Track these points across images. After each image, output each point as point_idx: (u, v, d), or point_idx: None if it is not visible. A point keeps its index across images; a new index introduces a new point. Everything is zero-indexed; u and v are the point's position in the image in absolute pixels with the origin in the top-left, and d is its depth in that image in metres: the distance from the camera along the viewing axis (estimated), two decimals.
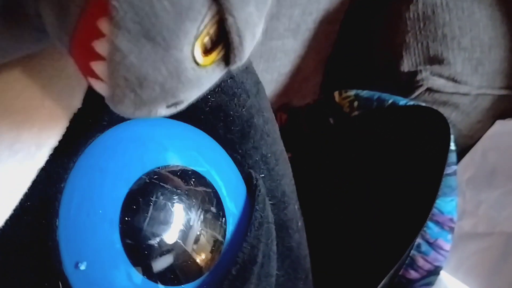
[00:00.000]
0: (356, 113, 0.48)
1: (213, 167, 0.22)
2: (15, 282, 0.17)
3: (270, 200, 0.25)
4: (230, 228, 0.22)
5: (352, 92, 0.49)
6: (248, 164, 0.25)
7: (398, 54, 0.51)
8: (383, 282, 0.39)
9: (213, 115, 0.23)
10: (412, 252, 0.41)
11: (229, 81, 0.24)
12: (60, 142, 0.19)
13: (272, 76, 0.52)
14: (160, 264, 0.19)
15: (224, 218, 0.21)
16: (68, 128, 0.19)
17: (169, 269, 0.20)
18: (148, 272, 0.19)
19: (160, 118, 0.23)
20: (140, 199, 0.19)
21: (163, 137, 0.21)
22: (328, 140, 0.50)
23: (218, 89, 0.23)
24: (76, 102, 0.19)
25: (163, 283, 0.20)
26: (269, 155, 0.27)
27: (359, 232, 0.42)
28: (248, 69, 0.27)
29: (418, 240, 0.41)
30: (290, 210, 0.29)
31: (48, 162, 0.18)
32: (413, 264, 0.42)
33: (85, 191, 0.19)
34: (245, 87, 0.25)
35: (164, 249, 0.19)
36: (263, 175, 0.26)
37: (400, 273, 0.42)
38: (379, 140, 0.45)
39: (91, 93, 0.20)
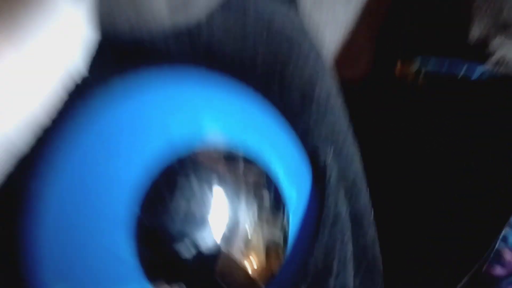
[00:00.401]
0: (421, 85, 0.42)
1: (267, 143, 0.16)
2: None
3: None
4: (293, 225, 0.16)
5: (416, 62, 0.43)
6: (311, 139, 0.20)
7: (466, 19, 0.45)
8: (463, 281, 0.33)
9: (268, 81, 0.17)
10: (498, 245, 0.35)
11: (284, 44, 0.18)
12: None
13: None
14: (195, 280, 0.14)
15: (284, 212, 0.16)
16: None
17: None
18: None
19: (196, 76, 0.17)
20: (165, 189, 0.13)
21: (198, 101, 0.16)
22: (389, 119, 0.44)
23: (271, 48, 0.17)
24: None
25: None
26: (336, 130, 0.21)
27: (434, 224, 0.36)
28: (306, 32, 0.21)
29: (505, 231, 0.34)
30: (363, 200, 0.23)
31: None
32: (499, 259, 0.36)
33: (75, 178, 0.13)
34: (304, 49, 0.19)
35: (200, 259, 0.14)
36: (331, 154, 0.20)
37: (483, 270, 0.37)
38: (452, 118, 0.39)
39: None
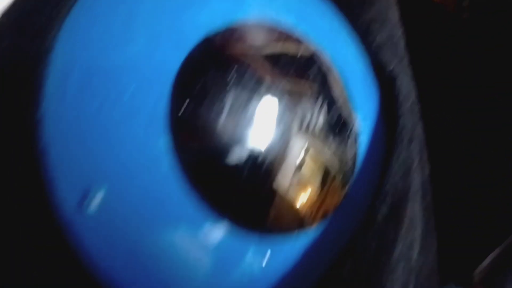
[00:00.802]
0: (466, 15, 0.37)
1: (325, 42, 0.12)
2: None
3: None
4: (362, 143, 0.12)
5: None
6: (373, 42, 0.15)
7: None
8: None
9: None
10: None
11: None
12: None
13: None
14: (246, 193, 0.10)
15: (351, 125, 0.12)
16: None
17: (255, 202, 0.10)
18: (223, 207, 0.10)
19: None
20: (208, 76, 0.09)
21: None
22: (428, 54, 0.39)
23: None
24: None
25: (251, 229, 0.10)
26: (398, 35, 0.17)
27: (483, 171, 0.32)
28: None
29: None
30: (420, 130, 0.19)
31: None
32: None
33: (98, 57, 0.09)
34: None
35: (247, 166, 0.10)
36: (395, 62, 0.15)
37: None
38: (502, 52, 0.34)
39: None
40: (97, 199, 0.09)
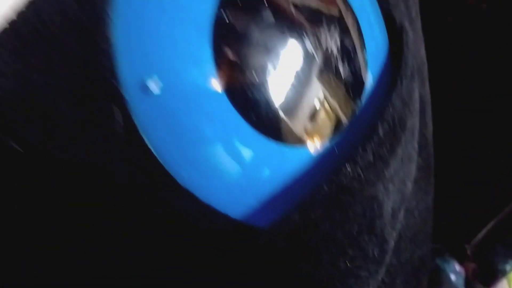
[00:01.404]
0: (485, 6, 0.39)
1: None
2: (37, 93, 0.10)
3: None
4: (372, 70, 0.14)
5: None
6: (387, 1, 0.17)
7: None
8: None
9: None
10: None
11: None
12: None
13: None
14: (274, 100, 0.12)
15: (363, 51, 0.14)
16: None
17: (291, 114, 0.12)
18: (251, 112, 0.12)
19: None
20: None
21: None
22: (446, 43, 0.41)
23: None
24: None
25: (275, 136, 0.12)
26: (412, 5, 0.19)
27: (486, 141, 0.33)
28: None
29: None
30: (427, 89, 0.21)
31: None
32: None
33: None
34: None
35: (287, 81, 0.12)
36: (406, 20, 0.17)
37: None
38: None
39: None
40: (155, 85, 0.11)
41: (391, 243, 0.15)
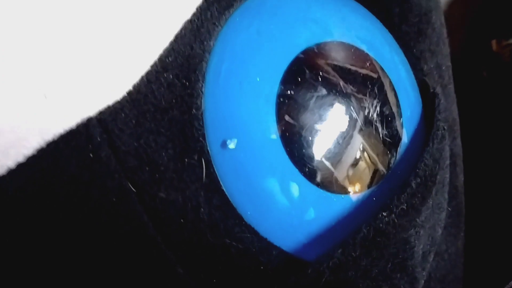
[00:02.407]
0: None
1: (386, 67, 0.17)
2: (148, 150, 0.14)
3: None
4: (406, 135, 0.17)
5: None
6: (422, 69, 0.20)
7: None
8: None
9: None
10: None
11: None
12: None
13: None
14: (323, 157, 0.15)
15: (400, 114, 0.16)
16: None
17: (338, 168, 0.15)
18: (305, 166, 0.15)
19: None
20: (307, 71, 0.15)
21: (330, 12, 0.17)
22: (481, 96, 0.43)
23: None
24: None
25: (322, 187, 0.15)
26: (444, 67, 0.22)
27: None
28: None
29: None
30: (458, 144, 0.24)
31: (195, 15, 0.15)
32: None
33: (239, 54, 0.15)
34: None
35: (333, 140, 0.15)
36: (438, 87, 0.20)
37: None
38: None
39: None
40: (232, 144, 0.14)
41: (421, 282, 0.18)
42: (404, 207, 0.15)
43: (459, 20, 0.51)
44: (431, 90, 0.19)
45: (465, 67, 0.46)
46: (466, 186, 0.26)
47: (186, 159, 0.14)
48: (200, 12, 0.15)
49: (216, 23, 0.15)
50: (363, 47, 0.17)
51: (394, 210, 0.15)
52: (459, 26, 0.51)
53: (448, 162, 0.19)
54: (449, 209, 0.20)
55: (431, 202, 0.17)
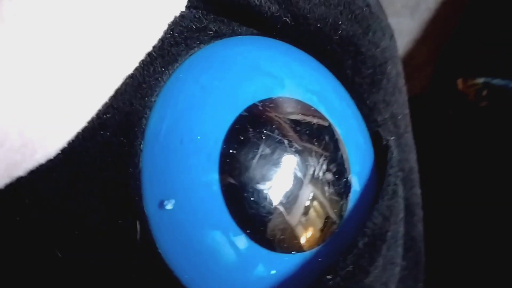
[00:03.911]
0: (484, 103, 0.41)
1: (336, 118, 0.17)
2: (79, 211, 0.13)
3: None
4: (353, 194, 0.17)
5: (480, 80, 0.43)
6: (376, 120, 0.20)
7: None
8: None
9: (343, 48, 0.18)
10: None
11: (365, 9, 0.19)
12: (155, 47, 0.15)
13: None
14: (266, 218, 0.14)
15: (348, 174, 0.16)
16: (166, 32, 0.15)
17: (279, 227, 0.15)
18: (248, 226, 0.14)
19: (278, 41, 0.18)
20: (250, 129, 0.14)
21: (279, 65, 0.17)
22: (446, 134, 0.43)
23: (352, 16, 0.18)
24: (182, 2, 0.15)
25: (266, 245, 0.15)
26: (400, 117, 0.22)
27: (482, 241, 0.35)
28: (383, 10, 0.22)
29: None
30: (416, 193, 0.23)
31: (137, 69, 0.14)
32: None
33: (181, 111, 0.15)
34: (381, 23, 0.20)
35: (275, 200, 0.14)
36: (392, 138, 0.20)
37: None
38: None
39: None
40: (169, 205, 0.14)
41: None
42: (350, 269, 0.15)
43: (426, 58, 0.52)
44: (384, 143, 0.19)
45: (431, 105, 0.47)
46: (429, 228, 0.25)
47: (120, 221, 0.13)
48: (143, 66, 0.15)
49: (159, 79, 0.15)
50: (313, 100, 0.17)
51: (340, 272, 0.15)
52: (427, 64, 0.52)
53: (402, 215, 0.19)
54: (404, 263, 0.20)
55: (381, 261, 0.17)
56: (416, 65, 0.51)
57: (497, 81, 0.41)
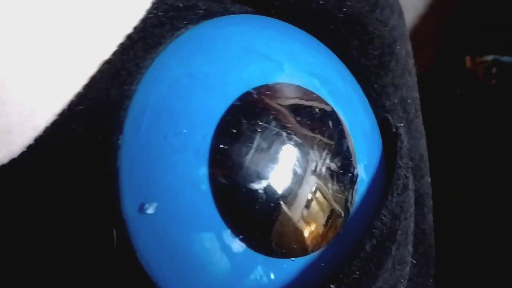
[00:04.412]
0: (494, 81, 0.39)
1: (341, 104, 0.15)
2: (50, 216, 0.11)
3: None
4: (361, 186, 0.15)
5: (489, 57, 0.41)
6: (384, 105, 0.18)
7: None
8: None
9: (347, 27, 0.16)
10: None
11: None
12: (136, 28, 0.13)
13: None
14: (262, 220, 0.13)
15: (355, 166, 0.14)
16: (149, 11, 0.13)
17: (277, 231, 0.13)
18: (242, 230, 0.13)
19: (275, 20, 0.16)
20: (244, 121, 0.13)
21: (276, 47, 0.15)
22: (454, 114, 0.41)
23: None
24: None
25: (262, 251, 0.13)
26: (409, 101, 0.20)
27: (491, 227, 0.33)
28: None
29: None
30: (426, 181, 0.22)
31: (115, 54, 0.12)
32: None
33: (165, 101, 0.13)
34: (389, 0, 0.18)
35: (272, 200, 0.13)
36: (401, 124, 0.18)
37: None
38: None
39: None
40: (151, 209, 0.12)
41: None
42: (357, 275, 0.13)
43: (432, 35, 0.50)
44: (393, 130, 0.17)
45: (438, 84, 0.45)
46: (438, 218, 0.24)
47: (95, 227, 0.12)
48: (121, 51, 0.13)
49: (140, 64, 0.13)
50: (315, 84, 0.15)
51: (344, 280, 0.13)
52: (432, 41, 0.50)
53: (412, 209, 0.17)
54: (414, 261, 0.18)
55: (390, 263, 0.15)
56: (421, 42, 0.49)
57: (507, 58, 0.39)
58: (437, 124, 0.40)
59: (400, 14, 0.19)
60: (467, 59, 0.42)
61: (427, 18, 0.48)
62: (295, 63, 0.15)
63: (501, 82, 0.39)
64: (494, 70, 0.40)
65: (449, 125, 0.40)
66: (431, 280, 0.21)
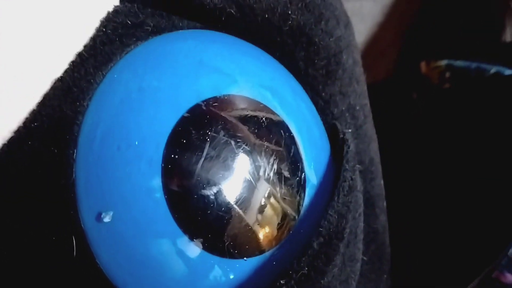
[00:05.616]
0: (447, 85, 0.41)
1: (289, 113, 0.16)
2: (11, 228, 0.12)
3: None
4: (310, 189, 0.16)
5: (443, 62, 0.42)
6: (332, 113, 0.19)
7: (498, 23, 0.44)
8: (471, 285, 0.32)
9: (293, 39, 0.17)
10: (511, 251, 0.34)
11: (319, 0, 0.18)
12: (86, 46, 0.14)
13: None
14: (215, 224, 0.14)
15: (303, 170, 0.15)
16: (98, 29, 0.14)
17: (230, 233, 0.14)
18: (197, 234, 0.13)
19: (224, 35, 0.17)
20: (194, 132, 0.14)
21: (226, 60, 0.16)
22: (410, 118, 0.43)
23: (302, 4, 0.17)
24: None
25: (217, 253, 0.14)
26: (358, 107, 0.21)
27: (445, 225, 0.35)
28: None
29: None
30: (377, 184, 0.23)
31: (67, 72, 0.13)
32: (510, 266, 0.35)
33: (117, 115, 0.14)
34: (335, 11, 0.19)
35: (223, 205, 0.14)
36: (349, 130, 0.19)
37: (493, 275, 0.35)
38: (480, 116, 0.37)
39: None
40: (107, 217, 0.13)
41: None
42: (305, 271, 0.14)
43: (390, 43, 0.52)
44: (341, 136, 0.18)
45: (397, 89, 0.46)
46: (395, 218, 0.25)
47: (55, 236, 0.12)
48: (73, 68, 0.13)
49: (92, 81, 0.14)
50: (267, 96, 0.16)
51: (294, 276, 0.14)
52: (391, 48, 0.52)
53: (361, 210, 0.19)
54: (365, 258, 0.19)
55: (339, 259, 0.16)
56: (380, 49, 0.51)
57: (459, 63, 0.41)
58: (396, 128, 0.42)
59: (347, 25, 0.20)
60: (423, 64, 0.44)
61: (385, 27, 0.50)
62: (246, 75, 0.16)
63: (454, 86, 0.41)
64: (447, 74, 0.42)
65: (407, 130, 0.42)
66: (385, 276, 0.22)
